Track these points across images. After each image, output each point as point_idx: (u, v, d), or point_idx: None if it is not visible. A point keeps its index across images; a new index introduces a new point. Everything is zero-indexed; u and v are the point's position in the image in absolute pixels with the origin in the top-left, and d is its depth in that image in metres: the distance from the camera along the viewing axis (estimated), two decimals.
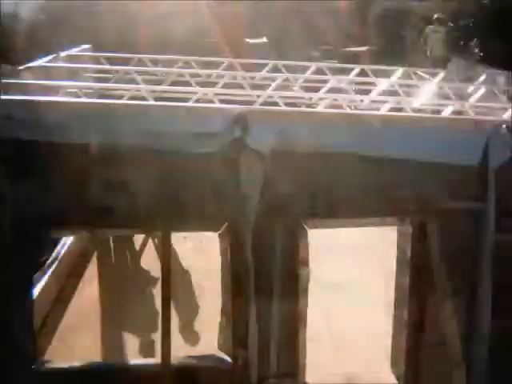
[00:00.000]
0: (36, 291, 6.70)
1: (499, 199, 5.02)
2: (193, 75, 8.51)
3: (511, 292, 5.06)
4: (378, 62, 11.35)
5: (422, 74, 8.93)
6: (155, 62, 9.64)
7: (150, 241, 8.78)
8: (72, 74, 7.91)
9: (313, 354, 5.40)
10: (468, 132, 5.07)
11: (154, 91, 8.35)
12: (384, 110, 7.61)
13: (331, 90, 8.14)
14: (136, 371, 5.16)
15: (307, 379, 5.36)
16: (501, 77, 8.38)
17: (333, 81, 8.10)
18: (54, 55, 8.12)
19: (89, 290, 7.67)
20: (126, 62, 9.16)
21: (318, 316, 6.39)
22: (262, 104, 7.44)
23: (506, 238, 5.08)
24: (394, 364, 5.58)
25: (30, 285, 4.95)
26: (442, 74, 8.78)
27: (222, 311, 5.21)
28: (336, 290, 7.42)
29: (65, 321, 6.93)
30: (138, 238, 8.95)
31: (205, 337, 6.10)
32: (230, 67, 9.05)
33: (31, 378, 4.94)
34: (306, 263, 5.13)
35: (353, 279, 7.76)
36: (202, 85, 8.39)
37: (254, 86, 8.61)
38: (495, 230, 5.05)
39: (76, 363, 5.31)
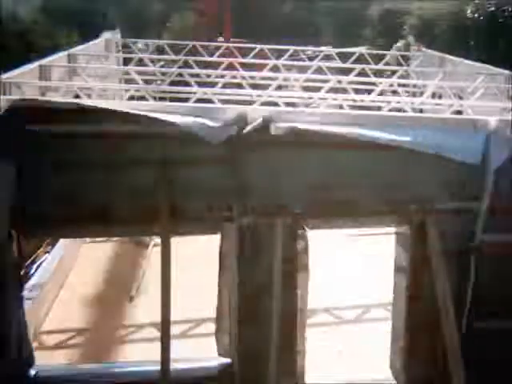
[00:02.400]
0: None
1: (497, 199, 5.01)
2: (193, 75, 8.52)
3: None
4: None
5: None
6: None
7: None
8: None
9: None
10: (468, 132, 5.06)
11: (154, 91, 8.37)
12: (384, 110, 7.62)
13: (331, 90, 8.15)
14: (134, 375, 5.15)
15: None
16: (501, 76, 8.38)
17: (333, 81, 8.10)
18: None
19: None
20: None
21: None
22: (262, 104, 7.44)
23: (505, 237, 5.09)
24: (392, 363, 5.57)
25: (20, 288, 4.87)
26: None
27: (219, 312, 5.20)
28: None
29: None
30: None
31: (204, 339, 6.09)
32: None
33: None
34: (305, 264, 5.13)
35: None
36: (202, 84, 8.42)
37: (254, 86, 8.62)
38: (493, 230, 5.04)
39: (72, 368, 5.30)
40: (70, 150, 4.74)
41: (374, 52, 11.31)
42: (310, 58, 12.23)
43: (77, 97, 7.81)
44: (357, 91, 8.59)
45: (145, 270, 8.00)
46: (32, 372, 4.94)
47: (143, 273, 7.94)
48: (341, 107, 7.44)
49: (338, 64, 9.95)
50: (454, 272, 5.11)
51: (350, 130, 4.86)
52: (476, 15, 20.70)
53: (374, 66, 9.62)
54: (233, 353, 5.18)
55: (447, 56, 10.73)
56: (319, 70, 9.10)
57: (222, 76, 8.44)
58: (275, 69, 8.99)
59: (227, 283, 5.14)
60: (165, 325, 4.86)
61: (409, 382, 5.40)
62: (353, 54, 10.21)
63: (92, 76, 8.70)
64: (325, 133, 4.82)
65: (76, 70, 8.30)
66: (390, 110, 7.56)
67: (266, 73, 8.84)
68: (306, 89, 8.64)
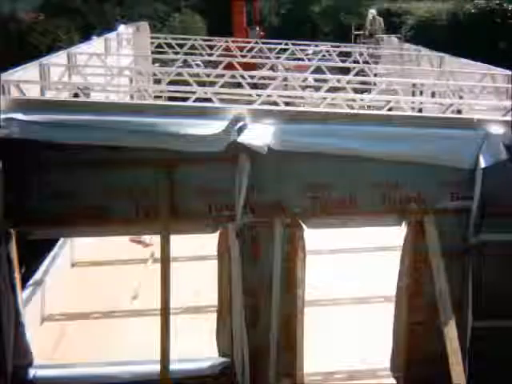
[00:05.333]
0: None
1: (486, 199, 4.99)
2: (192, 74, 8.53)
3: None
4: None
5: None
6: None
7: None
8: None
9: None
10: (465, 132, 5.05)
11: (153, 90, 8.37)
12: (384, 110, 7.63)
13: (331, 90, 8.16)
14: (134, 375, 5.14)
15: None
16: (500, 76, 8.40)
17: (333, 80, 8.11)
18: None
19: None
20: None
21: None
22: (261, 103, 7.44)
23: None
24: (392, 363, 5.57)
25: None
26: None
27: (220, 313, 5.19)
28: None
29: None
30: None
31: (203, 338, 6.07)
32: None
33: None
34: (303, 263, 5.12)
35: None
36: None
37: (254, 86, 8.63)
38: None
39: (71, 370, 5.27)
40: (68, 149, 4.72)
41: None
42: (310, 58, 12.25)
43: (76, 95, 7.83)
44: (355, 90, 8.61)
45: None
46: (30, 372, 4.92)
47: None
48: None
49: (337, 63, 9.96)
50: (453, 271, 5.09)
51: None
52: (475, 15, 20.72)
53: (374, 66, 9.64)
54: (233, 352, 5.17)
55: (447, 55, 10.75)
56: (318, 70, 9.12)
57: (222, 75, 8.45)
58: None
59: (227, 283, 5.12)
60: (164, 324, 4.85)
61: (409, 381, 5.40)
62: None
63: (91, 74, 8.71)
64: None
65: (76, 68, 8.30)
66: (390, 109, 7.57)
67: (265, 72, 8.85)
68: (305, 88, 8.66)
